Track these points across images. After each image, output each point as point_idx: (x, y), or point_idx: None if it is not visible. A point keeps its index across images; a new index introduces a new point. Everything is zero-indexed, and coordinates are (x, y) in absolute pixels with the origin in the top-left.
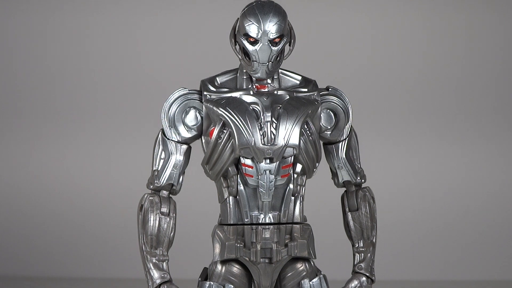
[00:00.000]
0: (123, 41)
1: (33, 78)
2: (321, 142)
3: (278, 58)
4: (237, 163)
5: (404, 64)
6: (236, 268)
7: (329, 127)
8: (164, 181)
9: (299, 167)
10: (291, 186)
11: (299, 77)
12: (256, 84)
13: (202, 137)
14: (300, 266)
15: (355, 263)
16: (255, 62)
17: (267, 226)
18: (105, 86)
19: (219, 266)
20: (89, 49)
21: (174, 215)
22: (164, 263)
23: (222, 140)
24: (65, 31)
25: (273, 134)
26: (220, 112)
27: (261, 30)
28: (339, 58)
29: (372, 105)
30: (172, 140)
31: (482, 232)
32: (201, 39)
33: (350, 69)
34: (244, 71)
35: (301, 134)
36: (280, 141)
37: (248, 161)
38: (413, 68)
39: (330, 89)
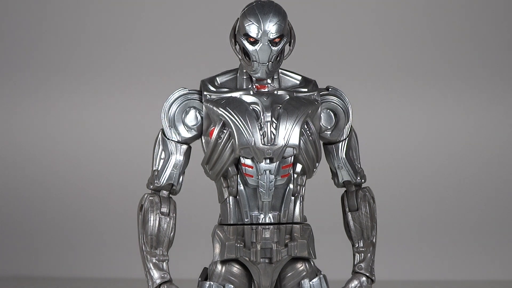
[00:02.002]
0: (123, 40)
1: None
2: (321, 142)
3: (278, 58)
4: (237, 163)
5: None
6: (236, 268)
7: (329, 127)
8: (164, 181)
9: (299, 167)
10: (291, 186)
11: (299, 77)
12: (256, 84)
13: (202, 137)
14: (300, 266)
15: (355, 263)
16: (255, 62)
17: (267, 226)
18: (105, 87)
19: (219, 266)
20: (89, 48)
21: (174, 215)
22: (164, 263)
23: (222, 140)
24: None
25: (273, 134)
26: (220, 112)
27: (261, 30)
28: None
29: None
30: (172, 140)
31: (483, 229)
32: (201, 39)
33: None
34: (244, 71)
35: (301, 134)
36: (280, 141)
37: (248, 161)
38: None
39: (330, 89)
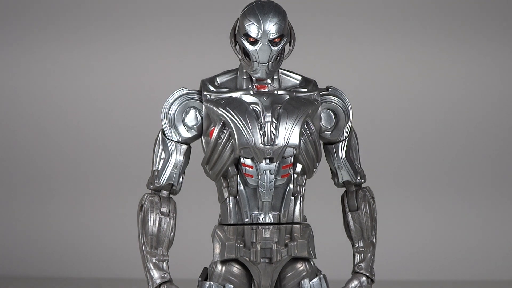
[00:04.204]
0: (122, 40)
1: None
2: (321, 142)
3: (278, 58)
4: (237, 163)
5: None
6: (236, 268)
7: (329, 127)
8: (164, 181)
9: (299, 167)
10: (291, 186)
11: (299, 77)
12: (256, 84)
13: (202, 137)
14: (300, 266)
15: (355, 263)
16: (255, 62)
17: (267, 226)
18: (105, 87)
19: (219, 266)
20: (87, 47)
21: (174, 215)
22: (164, 263)
23: (222, 140)
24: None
25: (273, 134)
26: (220, 112)
27: (261, 30)
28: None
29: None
30: (172, 140)
31: (485, 226)
32: (201, 39)
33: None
34: (244, 71)
35: (301, 134)
36: (280, 141)
37: (248, 161)
38: None
39: (330, 89)
